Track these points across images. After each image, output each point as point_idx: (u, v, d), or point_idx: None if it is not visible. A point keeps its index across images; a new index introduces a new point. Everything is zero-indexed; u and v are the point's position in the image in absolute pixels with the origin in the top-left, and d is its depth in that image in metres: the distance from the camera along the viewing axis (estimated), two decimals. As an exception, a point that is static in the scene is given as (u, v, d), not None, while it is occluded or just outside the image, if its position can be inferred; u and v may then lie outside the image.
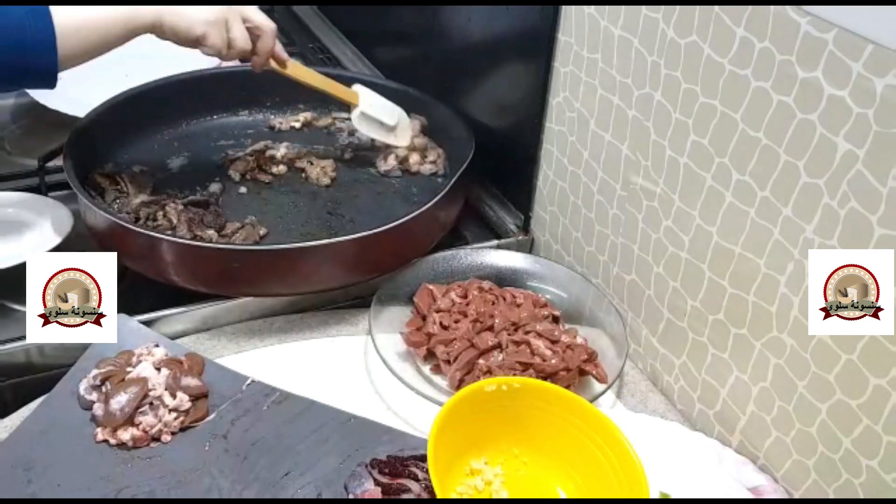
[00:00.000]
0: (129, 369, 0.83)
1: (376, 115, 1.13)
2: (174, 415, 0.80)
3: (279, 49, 1.03)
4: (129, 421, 0.79)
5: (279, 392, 0.85)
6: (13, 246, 0.98)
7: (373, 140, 1.19)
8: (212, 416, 0.82)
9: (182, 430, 0.80)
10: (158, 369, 0.83)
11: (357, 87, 1.14)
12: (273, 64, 1.03)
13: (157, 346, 0.87)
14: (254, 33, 0.99)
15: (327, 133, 1.26)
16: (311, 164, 1.15)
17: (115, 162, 1.11)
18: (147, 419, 0.79)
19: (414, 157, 1.17)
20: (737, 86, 0.72)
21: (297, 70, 1.08)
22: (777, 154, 0.70)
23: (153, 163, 1.14)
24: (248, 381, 0.86)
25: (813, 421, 0.72)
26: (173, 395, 0.81)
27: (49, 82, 0.88)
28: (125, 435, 0.78)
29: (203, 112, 1.25)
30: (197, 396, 0.82)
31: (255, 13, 0.99)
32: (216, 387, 0.84)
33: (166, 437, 0.79)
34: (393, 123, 1.15)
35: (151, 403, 0.80)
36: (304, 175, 1.14)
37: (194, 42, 0.94)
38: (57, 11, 0.86)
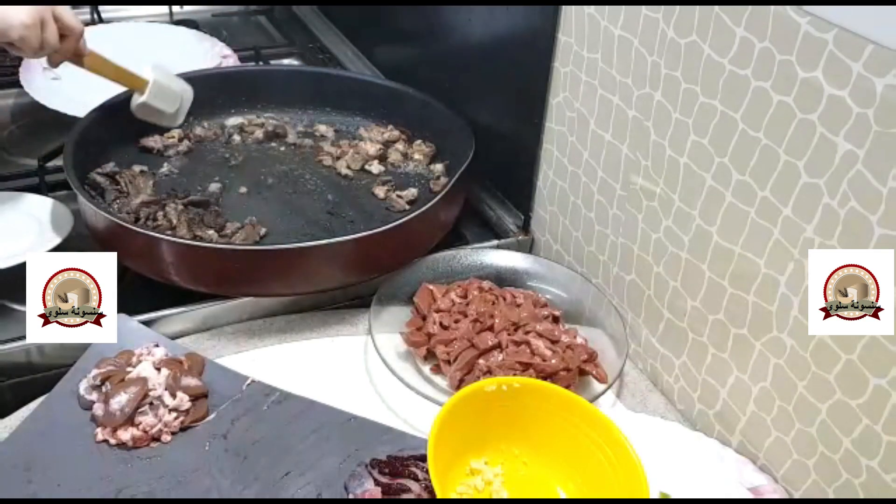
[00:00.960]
0: (129, 369, 0.83)
1: (158, 105, 1.11)
2: (174, 415, 0.80)
3: (82, 45, 1.00)
4: (129, 421, 0.79)
5: (279, 392, 0.85)
6: (13, 246, 0.98)
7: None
8: (212, 416, 0.82)
9: (182, 429, 0.80)
10: (158, 369, 0.83)
11: (152, 73, 1.10)
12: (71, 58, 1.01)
13: (157, 346, 0.87)
14: (62, 33, 0.95)
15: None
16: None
17: (115, 162, 1.11)
18: (147, 419, 0.79)
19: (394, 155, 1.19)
20: (737, 86, 0.73)
21: (93, 61, 1.05)
22: (777, 154, 0.70)
23: (153, 163, 1.14)
24: (248, 381, 0.86)
25: (813, 421, 0.72)
26: (173, 395, 0.81)
27: None
28: (125, 435, 0.78)
29: (203, 112, 1.25)
30: (197, 396, 0.82)
31: (65, 13, 0.96)
32: (216, 387, 0.84)
33: (166, 437, 0.79)
34: (173, 110, 1.14)
35: (151, 403, 0.80)
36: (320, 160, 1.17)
37: (7, 45, 0.91)
38: None
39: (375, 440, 0.80)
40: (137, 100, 1.09)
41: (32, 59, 0.98)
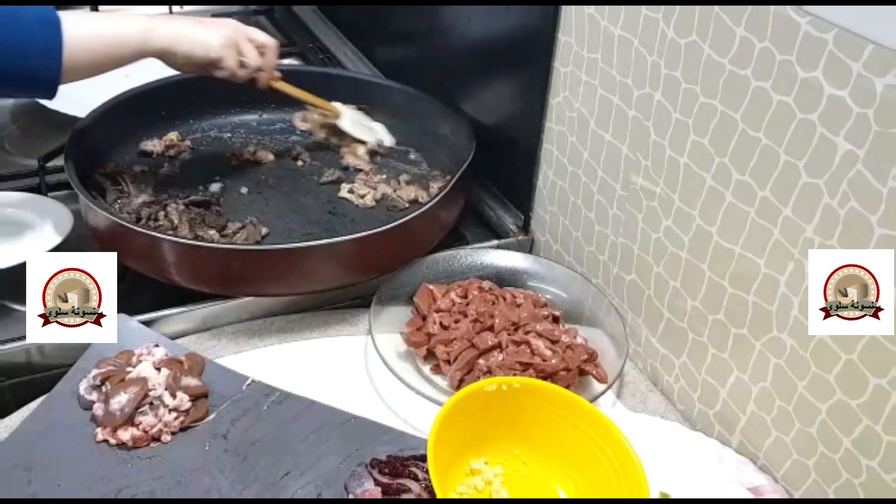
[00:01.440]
0: (129, 369, 0.83)
1: (354, 132, 1.21)
2: (174, 415, 0.80)
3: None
4: (129, 421, 0.79)
5: (279, 392, 0.85)
6: (13, 246, 0.98)
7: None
8: (212, 416, 0.82)
9: (182, 429, 0.80)
10: (158, 369, 0.83)
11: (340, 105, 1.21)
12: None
13: (157, 346, 0.87)
14: (259, 51, 1.01)
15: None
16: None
17: (115, 162, 1.12)
18: (147, 419, 0.79)
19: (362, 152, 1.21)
20: (737, 86, 0.72)
21: (285, 85, 1.11)
22: (777, 154, 0.70)
23: (154, 163, 1.14)
24: (249, 381, 0.86)
25: (813, 421, 0.72)
26: (173, 395, 0.81)
27: (48, 93, 0.86)
28: (125, 435, 0.78)
29: (204, 112, 1.25)
30: (197, 396, 0.82)
31: (257, 32, 1.01)
32: (216, 387, 0.84)
33: (166, 437, 0.79)
34: (373, 140, 1.22)
35: (151, 403, 0.80)
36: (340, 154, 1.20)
37: (209, 66, 0.96)
38: (68, 21, 0.84)
39: (375, 440, 0.80)
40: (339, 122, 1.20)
41: (242, 80, 1.02)
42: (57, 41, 0.83)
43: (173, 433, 0.80)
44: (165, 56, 0.93)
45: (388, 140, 1.23)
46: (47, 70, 0.84)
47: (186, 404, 0.81)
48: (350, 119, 1.21)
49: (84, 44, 0.85)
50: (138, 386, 0.80)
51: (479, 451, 0.78)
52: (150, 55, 0.92)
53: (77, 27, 0.85)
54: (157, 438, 0.79)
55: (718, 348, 0.82)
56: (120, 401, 0.79)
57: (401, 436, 0.81)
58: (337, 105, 1.21)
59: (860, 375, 0.67)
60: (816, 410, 0.72)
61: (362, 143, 1.20)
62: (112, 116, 1.11)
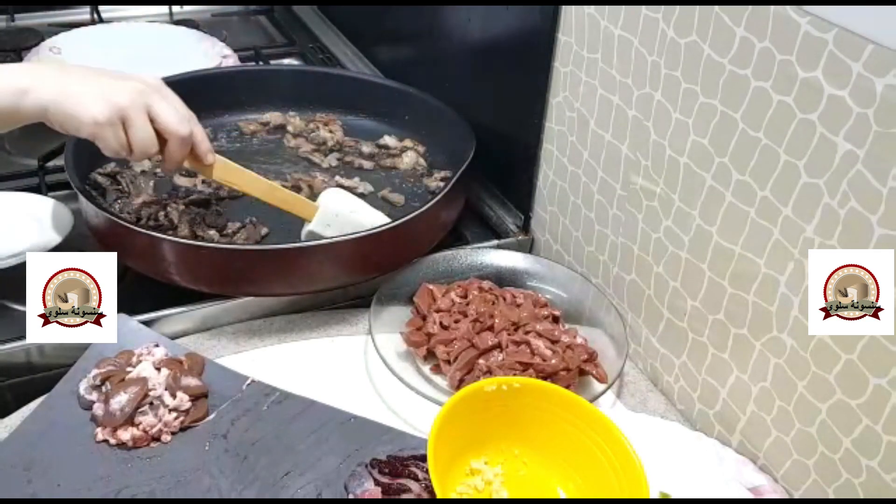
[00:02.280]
0: (129, 369, 0.82)
1: (327, 236, 0.94)
2: (174, 415, 0.80)
3: (202, 151, 0.86)
4: (130, 421, 0.78)
5: (279, 392, 0.85)
6: (13, 246, 0.98)
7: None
8: (212, 416, 0.82)
9: (182, 429, 0.80)
10: (158, 369, 0.83)
11: (325, 198, 0.96)
12: (192, 166, 0.88)
13: (157, 346, 0.87)
14: (160, 136, 0.81)
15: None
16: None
17: (115, 162, 1.11)
18: (147, 419, 0.79)
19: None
20: (737, 86, 0.73)
21: (227, 173, 0.89)
22: (777, 154, 0.70)
23: (154, 163, 1.14)
24: (248, 381, 0.86)
25: (813, 421, 0.72)
26: (173, 395, 0.81)
27: None
28: (125, 435, 0.78)
29: (204, 112, 1.24)
30: (197, 396, 0.82)
31: (163, 111, 0.80)
32: (216, 387, 0.84)
33: (166, 437, 0.79)
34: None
35: (151, 403, 0.80)
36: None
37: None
38: None
39: (375, 440, 0.80)
40: (306, 227, 0.95)
41: (134, 161, 0.85)
42: None
43: (173, 433, 0.80)
44: (42, 121, 0.78)
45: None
46: None
47: (186, 404, 0.81)
48: (322, 220, 0.95)
49: None
50: (138, 386, 0.80)
51: (479, 451, 0.78)
52: (25, 120, 0.78)
53: None
54: (157, 438, 0.79)
55: (718, 348, 0.82)
56: (120, 401, 0.79)
57: (400, 435, 0.81)
58: (323, 197, 0.96)
59: (860, 375, 0.67)
60: (816, 410, 0.72)
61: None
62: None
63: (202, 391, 0.83)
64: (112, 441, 0.78)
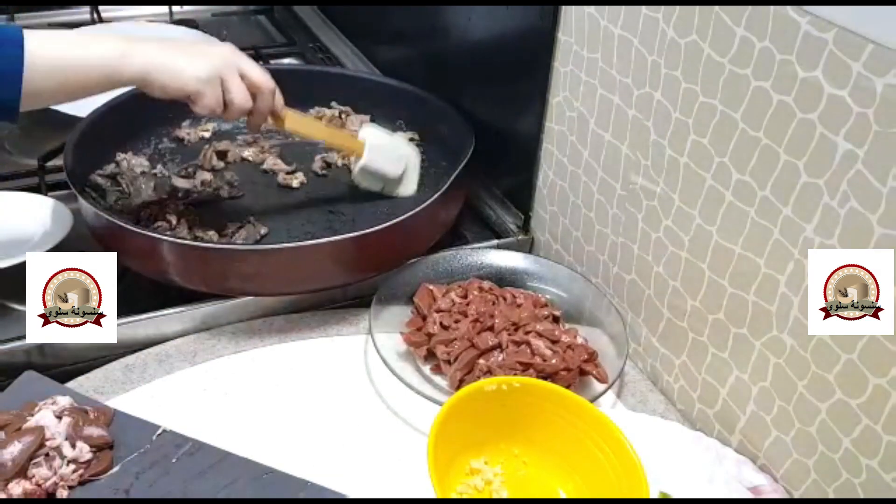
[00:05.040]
0: (28, 418, 0.74)
1: (380, 168, 1.06)
2: (72, 467, 0.72)
3: (279, 105, 0.94)
4: (22, 473, 0.70)
5: (191, 442, 0.77)
6: (13, 246, 0.98)
7: None
8: (115, 469, 0.74)
9: (81, 483, 0.72)
10: (60, 417, 0.74)
11: (365, 133, 1.07)
12: (270, 121, 0.96)
13: (63, 395, 0.78)
14: (251, 91, 0.89)
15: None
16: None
17: (115, 162, 1.11)
18: (41, 471, 0.71)
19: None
20: (737, 86, 0.72)
21: (296, 122, 1.00)
22: (777, 154, 0.70)
23: (154, 163, 1.14)
24: (160, 431, 0.78)
25: (813, 421, 0.72)
26: (73, 445, 0.72)
27: (7, 116, 0.79)
28: (16, 489, 0.69)
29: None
30: (100, 447, 0.74)
31: (252, 69, 0.89)
32: (124, 437, 0.77)
33: (62, 493, 0.71)
34: (398, 174, 1.08)
35: (48, 454, 0.72)
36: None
37: (187, 99, 0.86)
38: (32, 42, 0.76)
39: (291, 496, 0.74)
40: (357, 165, 1.06)
41: (225, 120, 0.94)
42: (18, 63, 0.76)
43: (71, 487, 0.71)
44: (141, 84, 0.83)
45: (411, 185, 1.11)
46: (5, 94, 0.76)
47: (87, 455, 0.73)
48: (371, 153, 1.05)
49: (48, 69, 0.77)
50: (34, 435, 0.71)
51: (479, 451, 0.78)
52: (123, 83, 0.84)
53: (41, 49, 0.77)
54: (51, 494, 0.70)
55: (718, 348, 0.82)
56: (12, 451, 0.70)
57: (318, 490, 0.74)
58: (363, 133, 1.07)
59: (860, 375, 0.67)
60: (816, 410, 0.72)
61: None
62: (111, 116, 1.11)
63: (106, 441, 0.75)
64: (2, 496, 0.69)
